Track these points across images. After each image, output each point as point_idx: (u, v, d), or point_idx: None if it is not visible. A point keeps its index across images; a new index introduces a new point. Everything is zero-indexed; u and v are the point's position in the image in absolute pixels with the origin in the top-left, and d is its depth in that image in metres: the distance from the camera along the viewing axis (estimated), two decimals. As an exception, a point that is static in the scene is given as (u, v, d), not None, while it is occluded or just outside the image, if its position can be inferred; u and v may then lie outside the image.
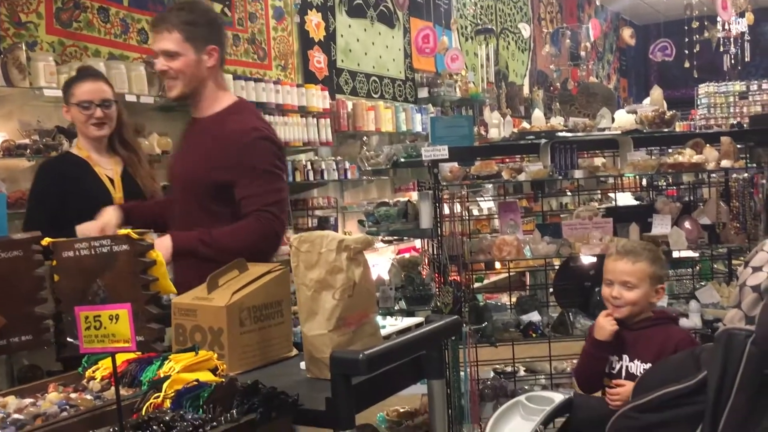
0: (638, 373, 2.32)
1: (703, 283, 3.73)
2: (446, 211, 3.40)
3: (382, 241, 6.39)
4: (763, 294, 1.64)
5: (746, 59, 10.34)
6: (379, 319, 3.55)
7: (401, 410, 3.69)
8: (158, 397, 1.39)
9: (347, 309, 1.61)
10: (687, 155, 3.34)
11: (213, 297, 1.68)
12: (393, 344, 1.55)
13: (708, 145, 3.40)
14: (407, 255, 4.47)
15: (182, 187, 2.39)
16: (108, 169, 2.78)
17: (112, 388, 1.44)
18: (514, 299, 3.82)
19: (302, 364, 1.69)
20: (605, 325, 2.36)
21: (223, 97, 2.40)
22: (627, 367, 2.37)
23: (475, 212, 6.02)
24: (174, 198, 2.44)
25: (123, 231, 1.35)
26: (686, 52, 9.30)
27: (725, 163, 3.32)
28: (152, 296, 1.37)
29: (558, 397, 2.36)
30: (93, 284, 1.35)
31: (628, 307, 2.36)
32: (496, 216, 4.05)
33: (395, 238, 6.25)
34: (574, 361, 3.70)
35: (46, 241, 1.47)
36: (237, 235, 2.21)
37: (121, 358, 1.60)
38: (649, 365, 2.30)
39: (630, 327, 2.39)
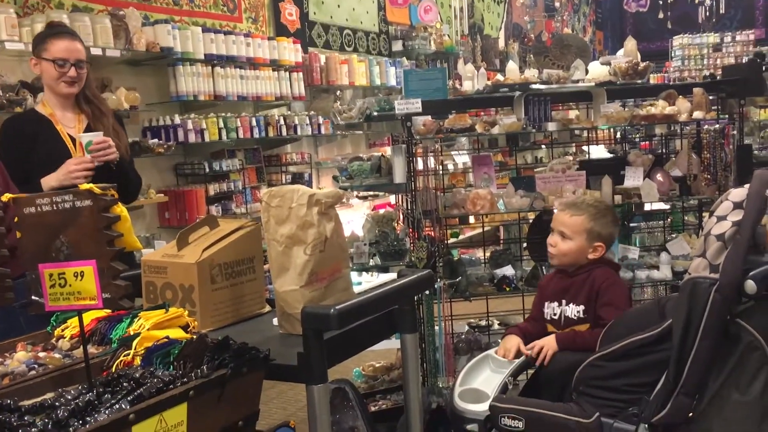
0: (573, 316, 2.42)
1: (674, 235, 3.78)
2: (420, 165, 3.38)
3: (357, 197, 6.38)
4: (727, 242, 1.66)
5: (721, 11, 10.33)
6: (354, 275, 3.57)
7: (377, 365, 3.73)
8: (128, 354, 1.38)
9: (319, 264, 1.60)
10: (660, 107, 3.34)
11: (183, 254, 1.66)
12: (364, 299, 1.55)
13: (681, 96, 3.41)
14: (382, 211, 4.46)
15: None
16: (71, 127, 2.73)
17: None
18: (488, 254, 3.83)
19: (275, 320, 1.69)
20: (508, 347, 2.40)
21: None
22: (564, 311, 2.46)
23: (450, 167, 6.01)
24: None
25: (85, 186, 1.32)
26: (660, 2, 9.26)
27: (697, 114, 3.33)
28: (117, 252, 1.34)
29: None
30: (56, 241, 1.32)
31: (559, 256, 2.47)
32: (471, 170, 4.04)
33: (370, 193, 6.24)
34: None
35: (6, 196, 1.43)
36: None
37: (90, 316, 1.58)
38: (582, 307, 2.40)
39: (570, 274, 2.48)
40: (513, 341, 2.42)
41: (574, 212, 2.45)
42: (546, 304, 2.52)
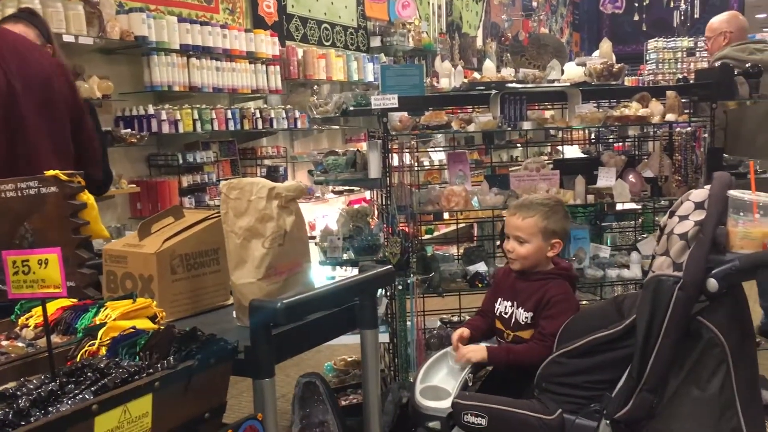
0: (521, 321, 2.40)
1: (645, 235, 3.83)
2: (395, 161, 3.38)
3: (333, 192, 6.36)
4: (690, 242, 1.69)
5: (695, 16, 10.46)
6: (329, 269, 3.56)
7: (349, 359, 3.73)
8: (93, 344, 1.36)
9: (277, 258, 1.58)
10: (633, 108, 3.38)
11: (144, 244, 1.63)
12: (315, 293, 1.52)
13: (654, 99, 3.45)
14: (356, 206, 4.46)
15: None
16: None
17: (46, 335, 1.39)
18: (461, 250, 3.85)
19: (234, 313, 1.67)
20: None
21: None
22: (515, 314, 2.44)
23: (426, 163, 6.02)
24: None
25: (50, 172, 1.29)
26: (636, 5, 9.36)
27: (670, 116, 3.37)
28: (83, 240, 1.32)
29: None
30: (20, 227, 1.30)
31: (520, 260, 2.43)
32: (446, 167, 4.05)
33: (346, 189, 6.23)
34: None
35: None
36: None
37: (56, 305, 1.56)
38: (530, 314, 2.37)
39: (528, 278, 2.44)
40: (455, 335, 2.44)
41: (526, 214, 2.42)
42: (500, 300, 2.50)
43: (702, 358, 1.69)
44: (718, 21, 4.62)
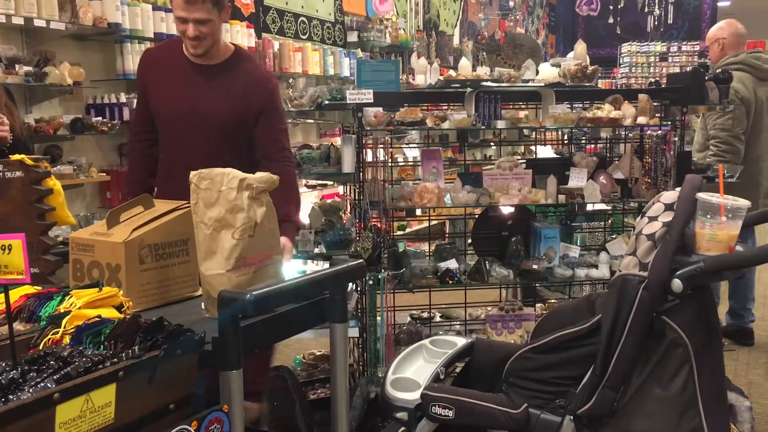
0: None
1: (614, 236, 3.87)
2: (369, 156, 3.37)
3: (306, 186, 6.34)
4: (657, 242, 1.71)
5: (669, 21, 10.61)
6: (300, 263, 3.54)
7: (318, 353, 3.72)
8: (57, 332, 1.33)
9: (247, 249, 1.57)
10: (606, 110, 3.42)
11: (112, 233, 1.60)
12: (285, 285, 1.51)
13: (626, 101, 3.49)
14: (329, 200, 4.44)
15: (211, 129, 2.58)
16: None
17: (8, 323, 1.36)
18: (433, 247, 3.86)
19: (203, 304, 1.65)
20: None
21: (227, 45, 2.66)
22: None
23: (401, 160, 6.02)
24: (191, 140, 2.60)
25: (16, 157, 1.27)
26: (611, 8, 9.47)
27: (641, 119, 3.41)
28: (48, 226, 1.29)
29: (460, 341, 2.41)
30: (-17, 212, 1.27)
31: None
32: (420, 164, 4.05)
33: (319, 183, 6.21)
34: (489, 308, 3.80)
35: (-68, 165, 1.37)
36: (295, 188, 2.66)
37: (20, 292, 1.53)
38: None
39: None
40: None
41: None
42: None
43: (665, 357, 1.72)
44: (714, 29, 4.68)
